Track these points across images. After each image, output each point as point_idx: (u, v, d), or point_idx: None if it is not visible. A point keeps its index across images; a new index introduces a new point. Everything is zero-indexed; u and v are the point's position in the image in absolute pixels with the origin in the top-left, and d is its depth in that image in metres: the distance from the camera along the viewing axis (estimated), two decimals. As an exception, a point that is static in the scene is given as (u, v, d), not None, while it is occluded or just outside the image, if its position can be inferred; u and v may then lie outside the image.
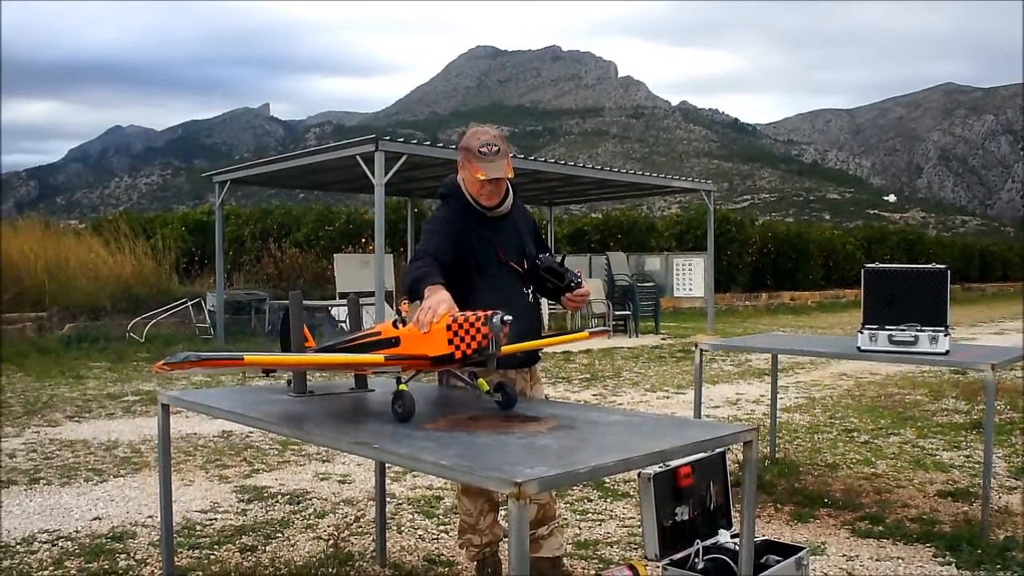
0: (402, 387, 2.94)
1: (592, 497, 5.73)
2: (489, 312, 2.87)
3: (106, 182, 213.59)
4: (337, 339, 3.39)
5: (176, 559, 4.25)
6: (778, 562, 3.54)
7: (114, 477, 6.24)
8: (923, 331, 5.15)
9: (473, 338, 2.86)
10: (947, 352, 5.11)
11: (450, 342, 2.88)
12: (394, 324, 3.08)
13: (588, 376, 11.99)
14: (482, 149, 3.52)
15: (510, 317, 2.88)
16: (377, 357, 3.00)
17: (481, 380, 3.25)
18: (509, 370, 3.71)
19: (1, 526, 5.04)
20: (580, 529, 5.06)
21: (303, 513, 5.36)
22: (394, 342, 3.04)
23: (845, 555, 4.59)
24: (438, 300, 2.99)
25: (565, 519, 5.16)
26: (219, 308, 16.52)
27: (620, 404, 9.68)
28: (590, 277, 19.79)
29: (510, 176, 3.60)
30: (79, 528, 5.02)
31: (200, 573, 4.32)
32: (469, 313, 2.90)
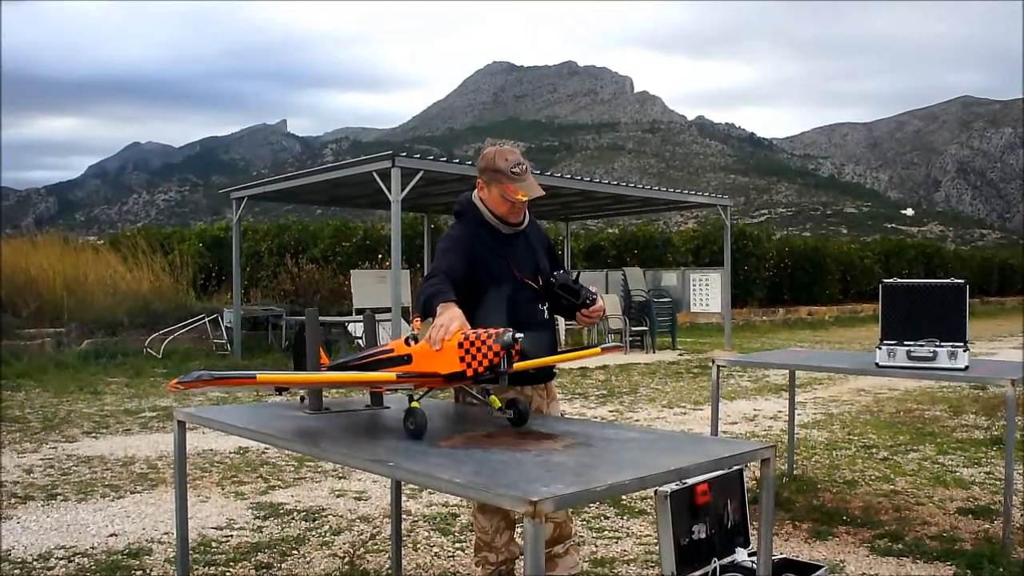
0: (414, 404, 2.93)
1: (609, 514, 5.70)
2: (501, 329, 2.86)
3: (124, 198, 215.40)
4: (350, 356, 3.38)
5: (192, 576, 4.25)
6: (796, 581, 3.51)
7: (131, 493, 6.26)
8: (942, 346, 5.11)
9: (485, 355, 2.85)
10: (966, 368, 5.07)
11: (462, 359, 2.87)
12: (407, 341, 3.08)
13: (605, 392, 11.95)
14: (514, 170, 3.55)
15: (521, 335, 2.88)
16: (389, 375, 3.00)
17: (493, 397, 3.24)
18: (525, 387, 3.71)
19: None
20: (596, 547, 5.02)
21: (319, 530, 5.35)
22: (407, 359, 3.04)
23: (864, 573, 4.55)
24: (450, 317, 2.99)
25: (581, 536, 5.14)
26: (236, 324, 16.57)
27: (637, 420, 9.64)
28: (607, 292, 19.76)
29: (543, 193, 3.64)
30: (95, 544, 5.03)
31: (215, 590, 4.31)
32: (481, 331, 2.89)
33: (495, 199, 3.65)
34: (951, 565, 4.64)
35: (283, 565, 4.69)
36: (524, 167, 3.59)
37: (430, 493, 6.07)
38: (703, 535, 3.47)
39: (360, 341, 14.08)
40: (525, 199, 3.57)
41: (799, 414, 9.38)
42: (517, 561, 3.99)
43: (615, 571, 4.60)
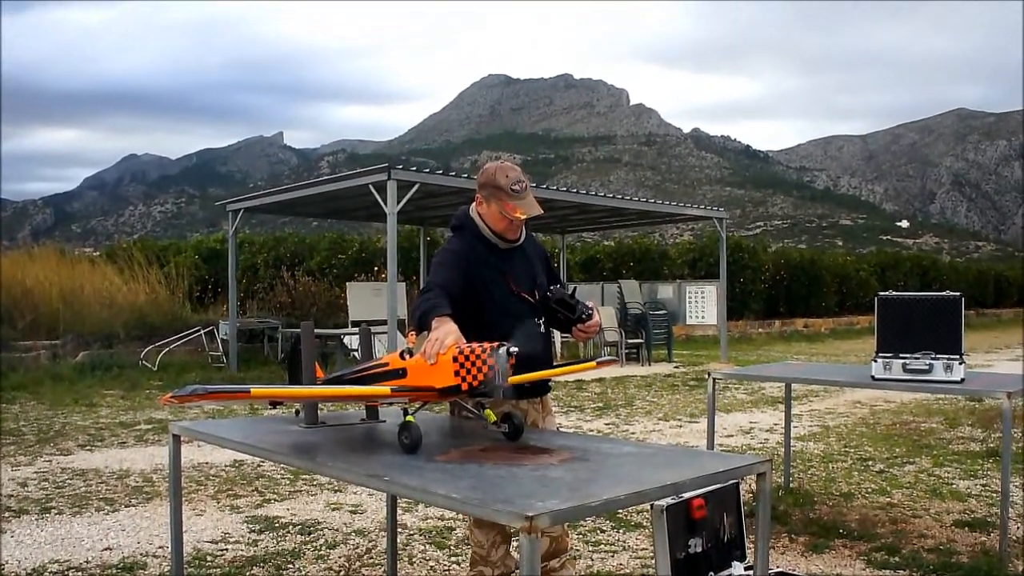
0: (409, 418, 2.93)
1: (605, 528, 5.69)
2: (495, 344, 2.86)
3: (121, 210, 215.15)
4: (345, 370, 3.38)
5: (186, 590, 4.23)
6: (793, 595, 3.50)
7: (125, 507, 6.24)
8: (937, 359, 5.12)
9: (480, 370, 2.85)
10: (962, 380, 5.08)
11: (456, 373, 2.87)
12: (401, 355, 3.08)
13: (601, 405, 11.94)
14: (514, 187, 3.54)
15: (516, 349, 2.87)
16: (384, 389, 2.99)
17: (488, 411, 3.24)
18: (520, 400, 3.70)
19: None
20: (593, 561, 5.01)
21: (314, 544, 5.33)
22: (401, 373, 3.03)
23: (861, 587, 4.54)
24: (445, 332, 2.99)
25: (577, 550, 5.13)
26: (232, 336, 16.55)
27: (633, 433, 9.63)
28: (602, 305, 19.76)
29: (542, 212, 3.63)
30: (90, 559, 5.01)
31: (210, 604, 4.29)
32: (475, 345, 2.89)
33: (493, 215, 3.64)
34: (948, 579, 4.63)
35: (278, 579, 4.67)
36: (524, 185, 3.57)
37: (426, 507, 6.06)
38: (699, 549, 3.45)
39: (356, 354, 14.07)
40: (524, 217, 3.56)
41: (795, 426, 9.37)
42: (513, 575, 3.97)
43: (611, 585, 4.59)
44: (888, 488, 6.80)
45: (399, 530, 5.12)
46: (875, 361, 5.31)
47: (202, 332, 16.95)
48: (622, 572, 4.80)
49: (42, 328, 15.67)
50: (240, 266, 20.74)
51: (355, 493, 6.53)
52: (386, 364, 3.12)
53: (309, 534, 5.54)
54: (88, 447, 8.57)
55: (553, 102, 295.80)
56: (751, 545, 3.45)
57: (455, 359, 2.88)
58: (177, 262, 21.97)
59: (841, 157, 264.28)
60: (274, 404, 3.62)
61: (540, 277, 3.78)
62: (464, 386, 2.88)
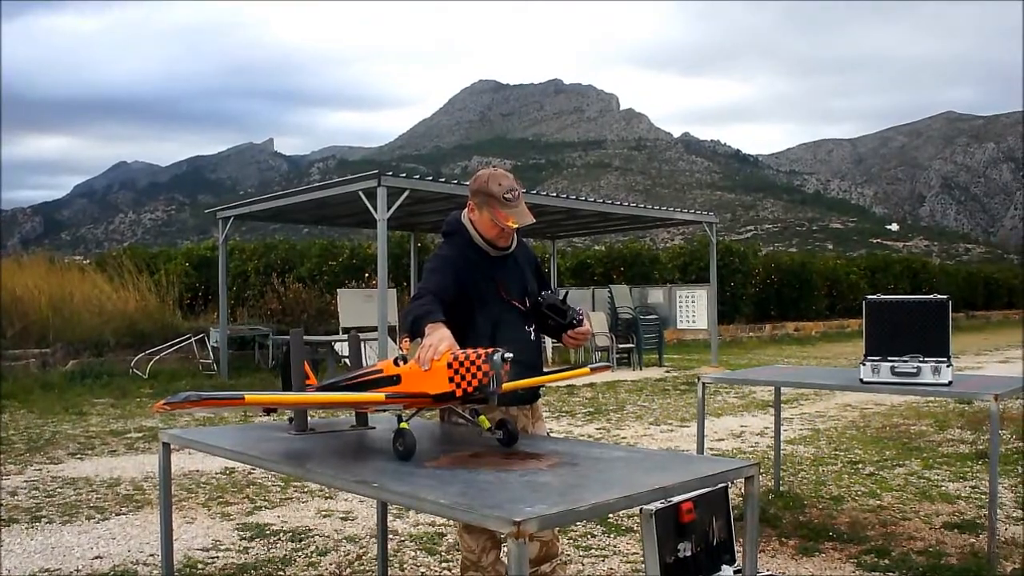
0: (403, 425, 2.93)
1: (595, 532, 5.70)
2: (490, 350, 2.86)
3: (111, 218, 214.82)
4: (338, 377, 3.38)
5: (177, 598, 4.23)
6: (782, 598, 3.51)
7: (116, 515, 6.23)
8: (926, 362, 5.15)
9: (474, 376, 2.85)
10: (950, 383, 5.11)
11: (451, 380, 2.87)
12: (395, 362, 3.08)
13: (592, 409, 11.95)
14: (507, 196, 3.53)
15: (511, 355, 2.88)
16: (378, 395, 2.99)
17: (482, 417, 3.24)
18: (511, 407, 3.70)
19: (1, 564, 5.02)
20: (583, 565, 5.02)
21: (305, 551, 5.33)
22: (395, 380, 3.03)
23: (851, 590, 4.55)
24: (439, 338, 2.99)
25: (568, 555, 5.13)
26: (223, 343, 16.53)
27: (624, 438, 9.64)
28: (593, 310, 19.79)
29: (534, 221, 3.63)
30: (80, 567, 5.00)
31: (201, 612, 4.29)
32: (470, 351, 2.89)
33: (485, 223, 3.64)
34: (937, 580, 4.65)
35: (270, 586, 4.67)
36: (517, 193, 3.55)
37: (417, 513, 6.06)
38: (688, 553, 3.46)
39: (347, 360, 14.06)
40: (516, 226, 3.56)
41: (786, 430, 9.40)
42: (504, 581, 3.98)
43: (602, 590, 4.60)
44: (878, 491, 6.83)
45: (390, 536, 5.13)
46: (863, 364, 5.34)
47: (192, 340, 16.92)
48: (613, 577, 4.81)
49: (32, 336, 15.62)
50: (230, 273, 20.71)
51: (346, 500, 6.53)
52: (380, 371, 3.12)
53: (300, 541, 5.54)
54: (78, 455, 8.55)
55: (543, 107, 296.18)
56: (740, 548, 3.46)
57: (449, 365, 2.88)
58: (167, 269, 21.93)
59: (831, 161, 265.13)
60: (268, 411, 3.63)
61: (531, 284, 3.78)
62: (458, 392, 2.88)
